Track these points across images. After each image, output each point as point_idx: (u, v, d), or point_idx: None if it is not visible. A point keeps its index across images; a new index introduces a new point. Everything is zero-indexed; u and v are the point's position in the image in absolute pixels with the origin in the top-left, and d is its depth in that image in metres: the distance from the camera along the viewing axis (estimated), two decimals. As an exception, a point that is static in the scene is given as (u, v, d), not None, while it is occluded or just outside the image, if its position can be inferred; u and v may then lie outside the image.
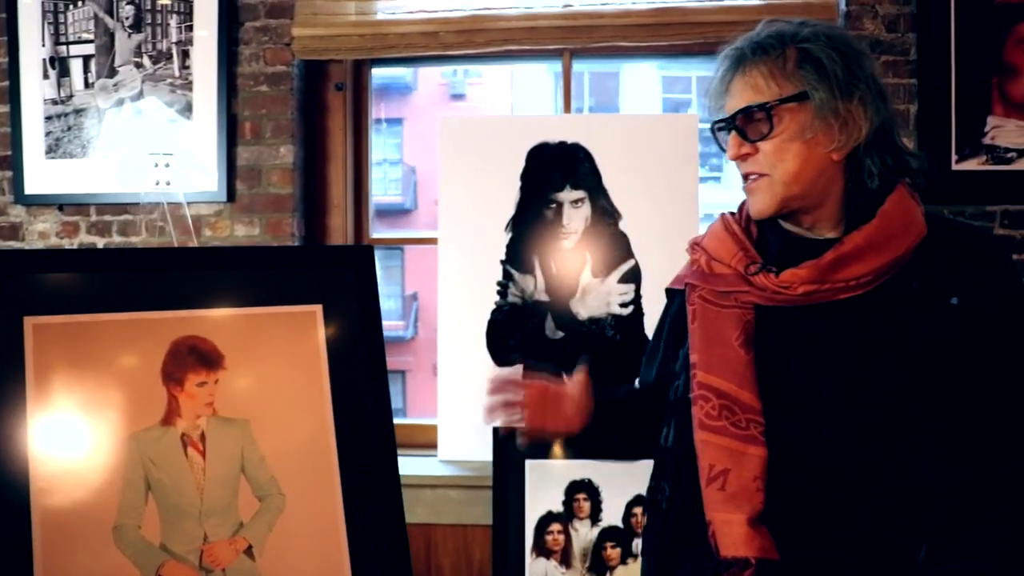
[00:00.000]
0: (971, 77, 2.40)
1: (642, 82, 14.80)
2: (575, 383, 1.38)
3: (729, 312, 1.27)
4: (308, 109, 2.65)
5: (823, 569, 1.15)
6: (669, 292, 1.48)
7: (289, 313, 1.30)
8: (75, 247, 2.55)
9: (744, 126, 1.24)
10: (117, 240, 2.56)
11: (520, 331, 2.40)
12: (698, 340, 1.28)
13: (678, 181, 2.41)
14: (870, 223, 1.21)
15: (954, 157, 2.41)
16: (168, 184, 2.23)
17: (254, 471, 1.22)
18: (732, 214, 1.39)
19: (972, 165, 2.41)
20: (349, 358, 1.31)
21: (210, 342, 1.24)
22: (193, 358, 1.22)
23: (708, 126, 1.34)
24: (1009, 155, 2.41)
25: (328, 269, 1.35)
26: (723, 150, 1.30)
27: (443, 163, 2.45)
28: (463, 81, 15.85)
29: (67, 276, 1.19)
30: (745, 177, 1.27)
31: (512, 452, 2.26)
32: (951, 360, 1.16)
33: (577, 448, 1.45)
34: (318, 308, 1.32)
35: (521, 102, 15.45)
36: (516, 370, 1.39)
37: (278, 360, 1.28)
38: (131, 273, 1.22)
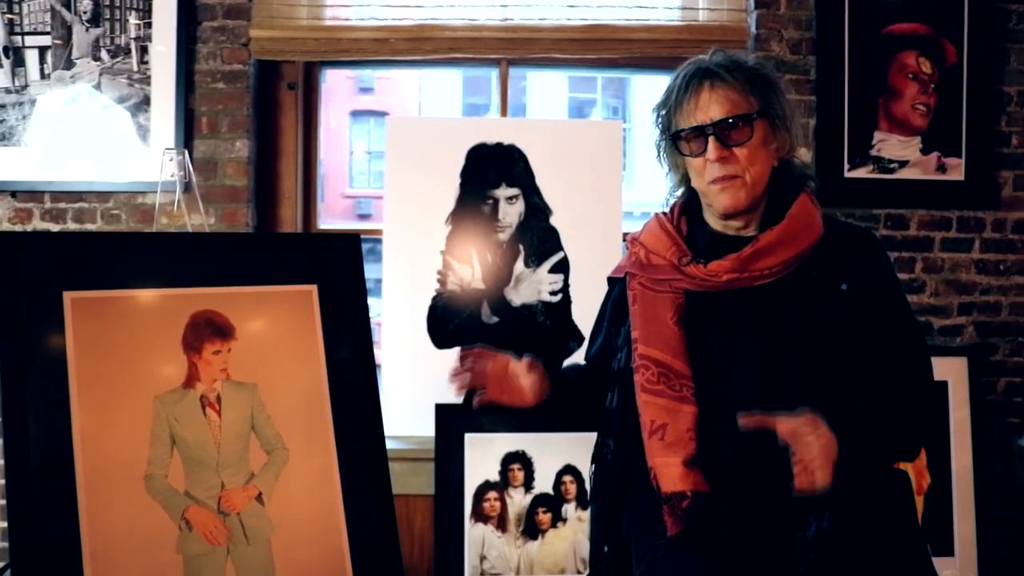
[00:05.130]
0: (861, 96, 2.69)
1: (549, 82, 15.07)
2: (528, 367, 1.58)
3: (664, 296, 1.52)
4: (262, 106, 2.77)
5: (742, 496, 1.41)
6: (610, 280, 1.72)
7: (289, 292, 1.47)
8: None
9: (723, 132, 1.46)
10: (72, 227, 2.63)
11: (458, 316, 2.55)
12: (639, 319, 1.52)
13: (604, 181, 2.61)
14: (780, 224, 1.47)
15: (846, 166, 2.69)
16: (183, 176, 2.34)
17: (262, 428, 1.40)
18: (665, 214, 1.63)
19: (861, 173, 2.71)
20: (340, 332, 1.49)
21: (223, 315, 1.40)
22: (209, 329, 1.38)
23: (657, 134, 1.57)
24: (892, 165, 2.73)
25: (321, 253, 1.52)
26: (682, 153, 1.52)
27: (389, 160, 2.59)
28: (372, 75, 15.80)
29: (100, 256, 1.33)
30: (715, 179, 1.48)
31: (453, 427, 2.45)
32: (842, 334, 1.43)
33: (535, 417, 1.66)
34: (314, 288, 1.49)
35: (429, 100, 15.51)
36: (482, 348, 1.58)
37: (280, 332, 1.45)
38: (155, 253, 1.37)
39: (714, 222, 1.56)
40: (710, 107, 1.46)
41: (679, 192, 1.63)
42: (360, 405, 1.48)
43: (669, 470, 1.40)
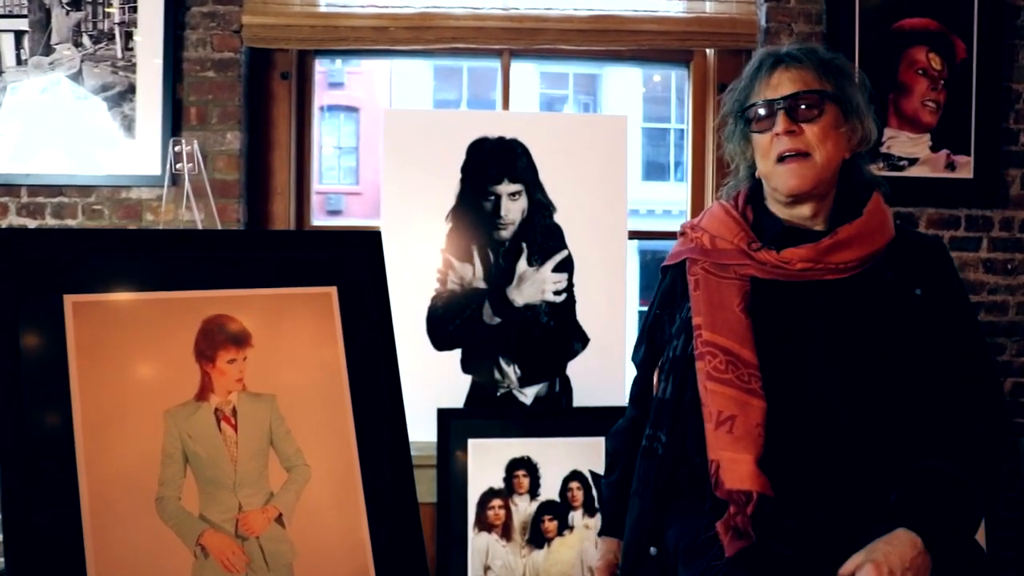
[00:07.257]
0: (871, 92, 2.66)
1: (521, 76, 14.99)
2: None
3: (729, 282, 1.45)
4: (253, 96, 2.66)
5: (809, 506, 1.33)
6: (663, 268, 1.65)
7: (307, 294, 1.37)
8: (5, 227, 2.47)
9: (793, 107, 1.41)
10: (51, 222, 2.49)
11: (459, 317, 2.47)
12: (703, 305, 1.45)
13: (608, 177, 2.54)
14: (860, 219, 1.42)
15: (856, 163, 2.67)
16: (192, 168, 2.22)
17: (281, 443, 1.29)
18: (727, 202, 1.56)
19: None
20: (362, 336, 1.39)
21: (238, 321, 1.29)
22: (223, 336, 1.27)
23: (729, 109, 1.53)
24: (902, 163, 2.69)
25: (341, 252, 1.41)
26: (749, 129, 1.48)
27: (386, 154, 2.50)
28: (342, 70, 15.64)
29: (103, 256, 1.21)
30: (781, 157, 1.43)
31: (456, 432, 2.37)
32: (915, 338, 1.38)
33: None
34: (333, 289, 1.39)
35: (400, 96, 15.37)
36: None
37: (299, 338, 1.34)
38: (163, 252, 1.26)
39: (779, 210, 1.50)
40: (781, 85, 1.44)
41: (743, 184, 1.57)
42: (384, 416, 1.37)
43: (738, 467, 1.32)
